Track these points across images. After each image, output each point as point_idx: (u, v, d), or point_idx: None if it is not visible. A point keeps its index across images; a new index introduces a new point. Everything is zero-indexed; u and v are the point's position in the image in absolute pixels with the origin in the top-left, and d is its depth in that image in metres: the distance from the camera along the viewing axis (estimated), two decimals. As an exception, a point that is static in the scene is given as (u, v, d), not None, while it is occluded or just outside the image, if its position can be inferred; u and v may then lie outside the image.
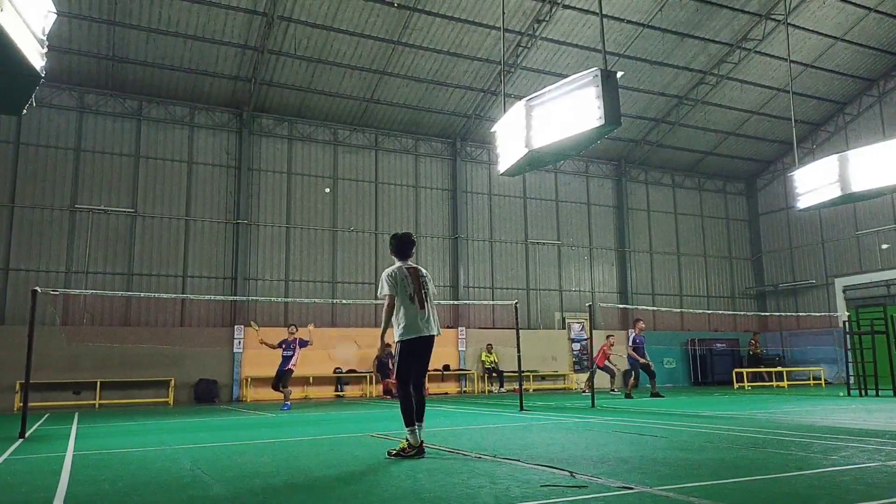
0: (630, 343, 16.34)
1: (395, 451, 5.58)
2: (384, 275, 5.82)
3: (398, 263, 5.95)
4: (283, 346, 14.14)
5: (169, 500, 4.15)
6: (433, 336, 5.76)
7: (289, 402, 14.20)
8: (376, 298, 19.95)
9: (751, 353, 23.59)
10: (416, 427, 5.61)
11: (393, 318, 5.81)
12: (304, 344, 14.04)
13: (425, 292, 5.79)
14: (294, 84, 19.18)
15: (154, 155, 18.59)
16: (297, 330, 14.35)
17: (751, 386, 21.20)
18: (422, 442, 5.57)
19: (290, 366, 14.03)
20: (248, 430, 9.20)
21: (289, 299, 19.01)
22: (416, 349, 5.72)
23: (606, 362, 17.86)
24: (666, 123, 23.47)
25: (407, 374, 5.73)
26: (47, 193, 17.33)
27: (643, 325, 16.65)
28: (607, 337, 18.74)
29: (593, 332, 14.54)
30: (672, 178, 26.14)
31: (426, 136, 21.95)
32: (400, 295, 5.70)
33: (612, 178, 24.94)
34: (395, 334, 5.79)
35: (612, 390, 18.33)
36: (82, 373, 16.37)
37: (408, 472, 4.87)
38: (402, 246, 6.02)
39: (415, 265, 6.00)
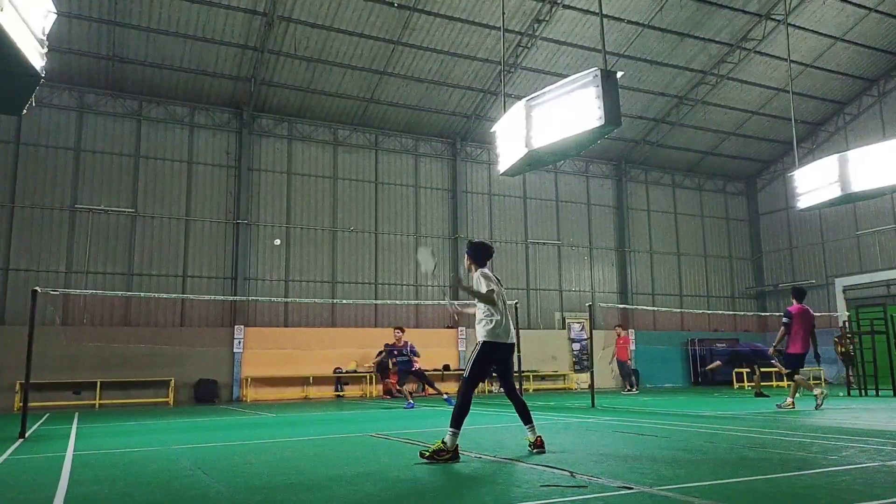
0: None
1: (428, 454, 5.30)
2: (479, 273, 5.78)
3: (484, 268, 5.90)
4: (396, 353, 14.17)
5: (169, 500, 4.15)
6: (513, 344, 5.80)
7: (412, 401, 14.01)
8: (376, 299, 20.04)
9: (844, 351, 18.07)
10: (455, 433, 5.41)
11: (480, 314, 5.72)
12: (415, 352, 14.14)
13: (503, 300, 5.80)
14: (294, 84, 19.18)
15: (154, 155, 18.60)
16: (403, 333, 14.36)
17: (750, 386, 21.17)
18: (457, 448, 5.36)
19: (415, 367, 14.12)
20: (248, 430, 9.20)
21: (289, 299, 19.02)
22: (496, 354, 5.69)
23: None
24: (666, 123, 23.47)
25: (479, 377, 5.74)
26: (47, 193, 17.33)
27: None
28: (616, 328, 18.90)
29: (593, 331, 14.53)
30: (672, 178, 26.13)
31: (426, 136, 21.95)
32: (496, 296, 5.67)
33: (612, 178, 24.95)
34: (478, 333, 5.71)
35: (628, 389, 18.23)
36: (82, 373, 16.37)
37: (408, 473, 4.87)
38: (486, 253, 6.01)
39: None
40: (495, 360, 5.71)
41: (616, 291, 24.08)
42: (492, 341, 5.60)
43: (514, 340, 5.82)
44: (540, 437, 5.68)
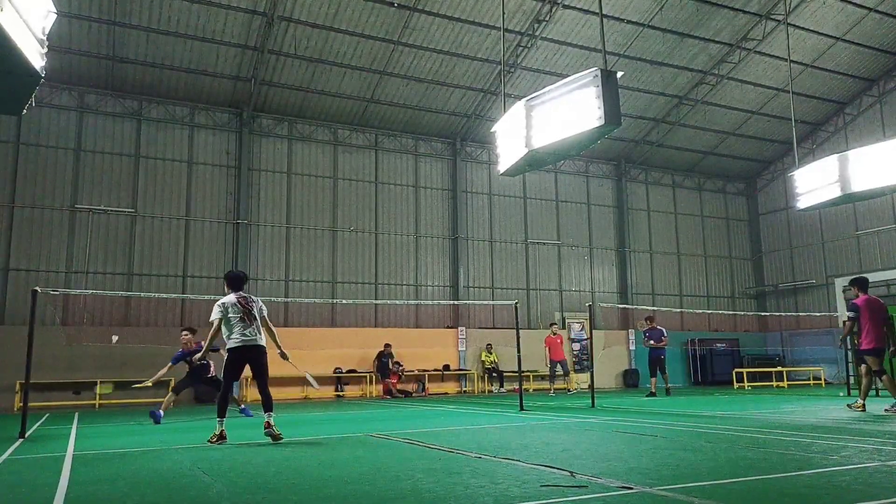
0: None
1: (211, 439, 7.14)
2: (216, 304, 7.38)
3: (231, 294, 7.44)
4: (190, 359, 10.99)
5: (169, 500, 4.15)
6: (255, 344, 7.26)
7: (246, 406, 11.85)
8: (376, 299, 20.07)
9: None
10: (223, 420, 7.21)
11: (224, 335, 7.33)
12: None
13: (253, 314, 7.34)
14: (294, 84, 19.18)
15: (154, 155, 18.60)
16: (193, 334, 11.33)
17: (751, 386, 21.20)
18: (223, 432, 7.11)
19: (212, 373, 11.15)
20: (248, 430, 9.18)
21: (289, 299, 19.02)
22: (240, 356, 7.23)
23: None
24: (666, 123, 23.48)
25: (232, 376, 7.34)
26: (47, 193, 17.34)
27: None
28: (553, 325, 18.66)
29: (593, 331, 14.53)
30: (672, 178, 26.14)
31: (426, 136, 21.95)
32: (227, 317, 7.23)
33: (612, 178, 24.95)
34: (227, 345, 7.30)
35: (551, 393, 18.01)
36: (82, 373, 16.38)
37: (408, 472, 4.87)
38: (232, 281, 7.65)
39: (245, 294, 7.55)
40: (241, 360, 7.25)
41: (616, 291, 24.08)
42: (232, 346, 7.18)
43: (258, 342, 7.28)
44: (268, 421, 7.18)
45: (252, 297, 7.55)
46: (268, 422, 7.16)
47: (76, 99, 17.92)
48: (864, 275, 11.11)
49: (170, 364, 11.09)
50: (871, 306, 9.93)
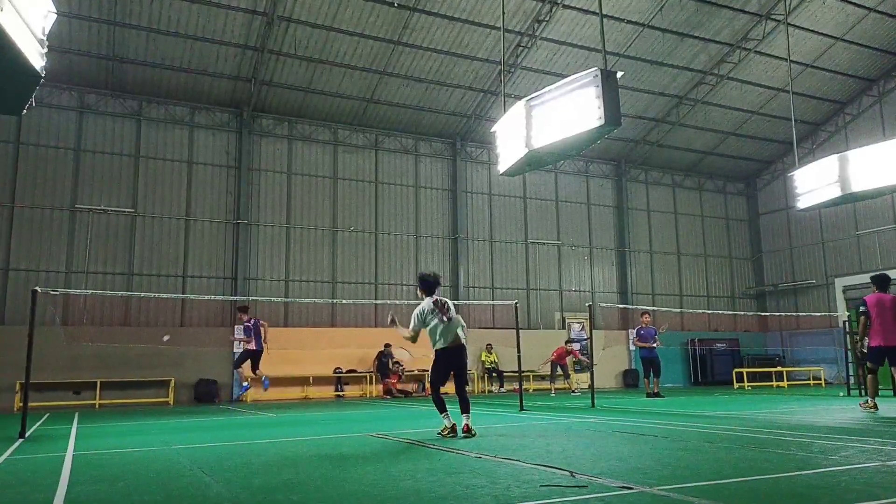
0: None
1: (438, 432, 7.22)
2: (416, 311, 7.33)
3: (427, 300, 7.39)
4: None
5: (169, 500, 4.15)
6: (459, 344, 7.33)
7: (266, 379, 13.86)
8: (376, 299, 20.05)
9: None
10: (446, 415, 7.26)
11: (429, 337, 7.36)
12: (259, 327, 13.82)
13: (451, 314, 7.33)
14: (294, 84, 19.18)
15: (154, 155, 18.60)
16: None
17: (751, 386, 21.20)
18: (454, 424, 7.16)
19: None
20: (248, 430, 9.20)
21: (289, 299, 19.02)
22: (446, 357, 7.29)
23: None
24: (666, 123, 23.47)
25: (438, 378, 7.45)
26: (47, 193, 17.34)
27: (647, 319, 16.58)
28: (569, 343, 19.13)
29: (593, 331, 14.53)
30: (672, 178, 26.14)
31: (426, 136, 21.95)
32: (426, 324, 7.27)
33: (612, 178, 24.95)
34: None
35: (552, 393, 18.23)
36: (82, 373, 16.37)
37: (408, 472, 4.87)
38: (429, 287, 7.47)
39: (438, 297, 7.42)
40: (449, 363, 7.31)
41: (616, 291, 24.08)
42: (439, 349, 7.24)
43: (461, 343, 7.33)
44: (466, 424, 7.12)
45: (442, 297, 7.46)
46: (466, 424, 7.11)
47: (76, 99, 17.92)
48: (885, 272, 10.88)
49: (252, 340, 13.62)
50: (878, 304, 9.74)
